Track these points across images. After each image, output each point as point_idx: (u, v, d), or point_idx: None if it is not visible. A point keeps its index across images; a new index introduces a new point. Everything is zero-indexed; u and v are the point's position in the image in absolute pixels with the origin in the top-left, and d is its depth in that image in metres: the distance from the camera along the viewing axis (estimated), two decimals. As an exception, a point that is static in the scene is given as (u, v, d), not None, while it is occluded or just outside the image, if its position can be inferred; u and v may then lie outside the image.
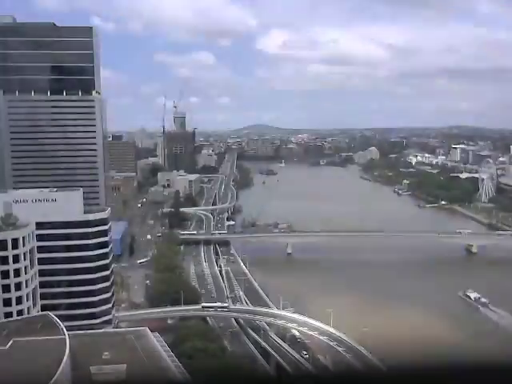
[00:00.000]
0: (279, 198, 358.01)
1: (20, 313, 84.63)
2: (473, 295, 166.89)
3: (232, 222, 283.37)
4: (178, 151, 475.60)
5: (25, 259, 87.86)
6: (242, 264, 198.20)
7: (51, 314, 69.64)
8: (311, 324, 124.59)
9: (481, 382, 24.71)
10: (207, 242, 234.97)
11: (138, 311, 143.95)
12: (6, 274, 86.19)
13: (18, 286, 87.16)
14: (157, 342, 69.00)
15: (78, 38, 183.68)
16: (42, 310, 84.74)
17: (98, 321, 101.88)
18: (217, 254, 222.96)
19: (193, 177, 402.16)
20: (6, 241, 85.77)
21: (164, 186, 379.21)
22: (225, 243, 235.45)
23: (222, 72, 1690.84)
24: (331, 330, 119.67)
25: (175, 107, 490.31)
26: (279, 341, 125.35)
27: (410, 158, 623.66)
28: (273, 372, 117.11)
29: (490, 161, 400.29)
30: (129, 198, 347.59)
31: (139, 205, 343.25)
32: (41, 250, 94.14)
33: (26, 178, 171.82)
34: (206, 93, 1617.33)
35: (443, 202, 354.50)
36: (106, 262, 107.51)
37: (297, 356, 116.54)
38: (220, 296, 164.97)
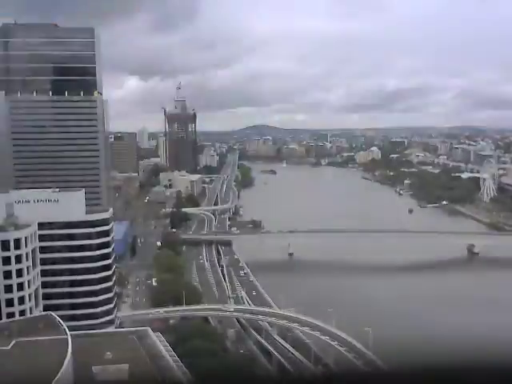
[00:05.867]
0: (280, 199, 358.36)
1: (22, 313, 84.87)
2: None
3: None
4: (179, 135, 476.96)
5: (27, 259, 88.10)
6: (243, 264, 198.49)
7: (53, 314, 69.85)
8: (313, 323, 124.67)
9: (482, 382, 24.80)
10: (209, 242, 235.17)
11: (140, 311, 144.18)
12: (8, 275, 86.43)
13: (21, 286, 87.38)
14: (159, 342, 69.18)
15: (79, 38, 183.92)
16: (44, 310, 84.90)
17: (100, 321, 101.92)
18: (219, 254, 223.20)
19: (194, 177, 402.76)
20: (8, 241, 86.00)
21: (166, 187, 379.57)
22: (227, 243, 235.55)
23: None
24: (333, 329, 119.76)
25: (179, 88, 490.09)
26: (281, 341, 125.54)
27: (412, 157, 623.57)
28: (275, 372, 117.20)
29: (492, 160, 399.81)
30: (130, 198, 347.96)
31: (141, 205, 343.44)
32: (43, 250, 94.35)
33: (28, 179, 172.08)
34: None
35: (444, 202, 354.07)
36: (108, 262, 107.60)
37: (299, 356, 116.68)
38: (222, 296, 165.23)
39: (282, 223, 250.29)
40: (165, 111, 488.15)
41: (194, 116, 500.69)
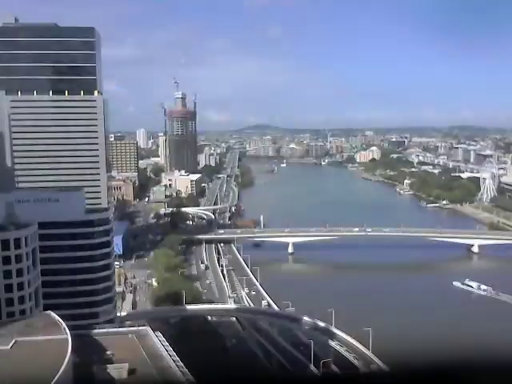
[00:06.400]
0: (280, 199, 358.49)
1: (22, 312, 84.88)
2: None
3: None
4: (179, 131, 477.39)
5: (27, 259, 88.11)
6: (243, 263, 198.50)
7: (54, 313, 69.93)
8: (313, 323, 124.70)
9: (481, 382, 24.92)
10: (209, 242, 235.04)
11: (140, 311, 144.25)
12: (8, 274, 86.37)
13: (21, 286, 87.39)
14: (159, 342, 69.25)
15: (79, 38, 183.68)
16: (44, 310, 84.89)
17: (100, 320, 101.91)
18: (218, 253, 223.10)
19: (194, 177, 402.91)
20: (8, 241, 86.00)
21: (166, 186, 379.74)
22: (227, 243, 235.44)
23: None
24: (333, 329, 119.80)
25: (176, 83, 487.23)
26: (281, 340, 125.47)
27: (412, 157, 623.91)
28: (274, 372, 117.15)
29: (492, 160, 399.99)
30: (130, 197, 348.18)
31: (141, 204, 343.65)
32: (43, 249, 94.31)
33: (28, 178, 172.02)
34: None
35: (444, 202, 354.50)
36: (108, 261, 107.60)
37: (298, 355, 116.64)
38: (222, 295, 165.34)
39: (283, 223, 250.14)
40: (164, 110, 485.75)
41: (194, 113, 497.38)
